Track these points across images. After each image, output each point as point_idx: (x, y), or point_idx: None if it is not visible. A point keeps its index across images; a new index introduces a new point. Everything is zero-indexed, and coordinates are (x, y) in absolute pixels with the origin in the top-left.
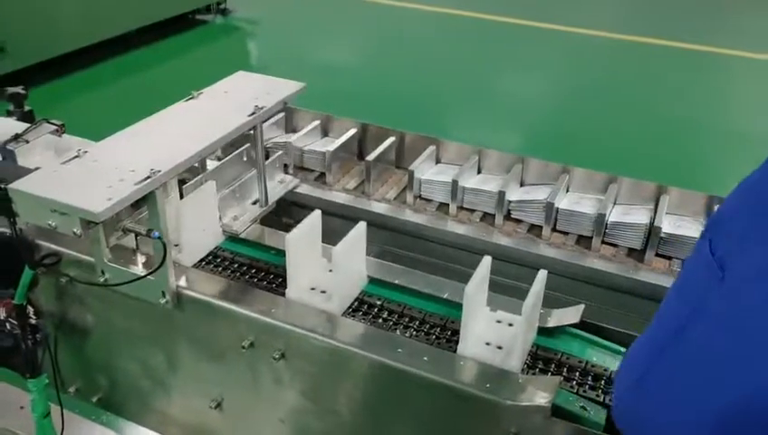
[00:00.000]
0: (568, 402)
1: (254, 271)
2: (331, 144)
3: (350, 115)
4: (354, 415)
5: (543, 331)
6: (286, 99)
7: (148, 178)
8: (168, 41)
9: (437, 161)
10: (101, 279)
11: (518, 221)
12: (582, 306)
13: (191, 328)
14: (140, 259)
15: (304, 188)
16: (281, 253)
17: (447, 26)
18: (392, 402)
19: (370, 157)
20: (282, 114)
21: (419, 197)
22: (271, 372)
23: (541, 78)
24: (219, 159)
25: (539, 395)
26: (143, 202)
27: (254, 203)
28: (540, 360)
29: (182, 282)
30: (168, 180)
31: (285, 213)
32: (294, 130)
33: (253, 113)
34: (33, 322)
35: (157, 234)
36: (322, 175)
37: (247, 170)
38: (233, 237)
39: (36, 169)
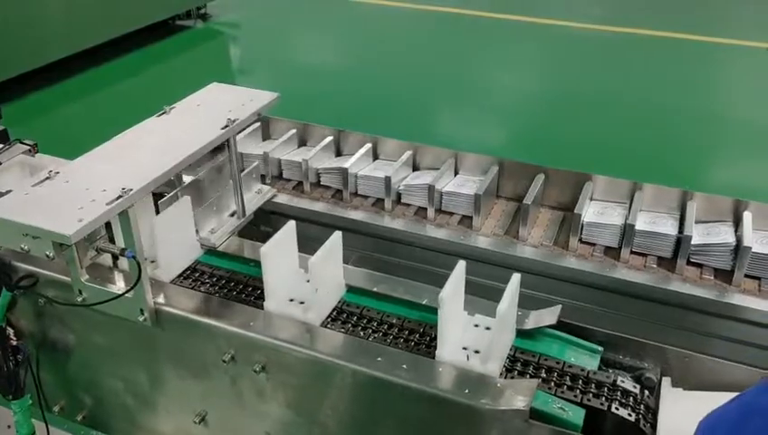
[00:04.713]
0: (546, 404)
1: (232, 284)
2: (474, 184)
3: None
4: (338, 424)
5: (522, 333)
6: (260, 110)
7: (120, 197)
8: (149, 48)
9: (591, 198)
10: (79, 299)
11: (700, 266)
12: (559, 307)
13: (171, 344)
14: (118, 277)
15: (284, 198)
16: (259, 265)
17: (427, 23)
18: (373, 411)
19: (528, 199)
20: (368, 146)
21: (580, 240)
22: (253, 385)
23: (534, 74)
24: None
25: (517, 399)
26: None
27: (232, 215)
28: (518, 362)
29: (160, 298)
30: (140, 198)
31: (264, 223)
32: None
33: (226, 126)
34: (13, 343)
35: (131, 253)
36: (466, 218)
37: (224, 183)
38: (212, 251)
39: (8, 191)
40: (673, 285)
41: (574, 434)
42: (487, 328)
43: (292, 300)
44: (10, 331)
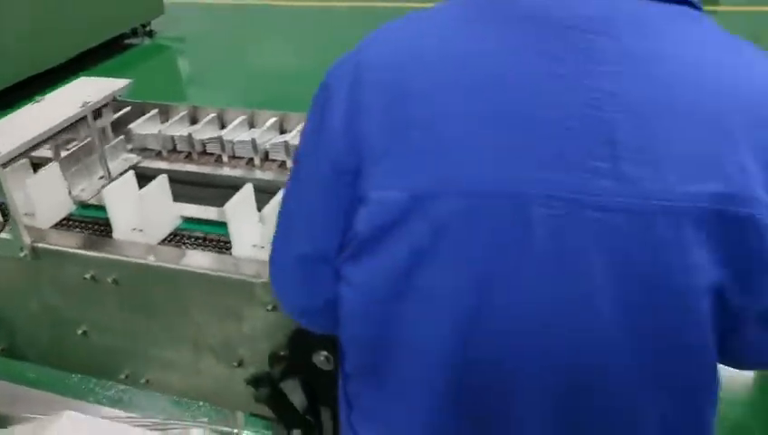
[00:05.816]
0: None
1: (95, 226)
2: None
3: None
4: (170, 315)
5: None
6: (114, 94)
7: None
8: (101, 66)
9: None
10: None
11: None
12: None
13: (50, 273)
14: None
15: (148, 163)
16: None
17: (378, 21)
18: (184, 297)
19: None
20: (243, 117)
21: None
22: (110, 296)
23: None
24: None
25: None
26: None
27: (101, 178)
28: None
29: (37, 239)
30: (10, 160)
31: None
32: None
33: (83, 106)
34: None
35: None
36: None
37: (94, 153)
38: (84, 205)
39: None
40: None
41: None
42: None
43: (134, 229)
44: None
